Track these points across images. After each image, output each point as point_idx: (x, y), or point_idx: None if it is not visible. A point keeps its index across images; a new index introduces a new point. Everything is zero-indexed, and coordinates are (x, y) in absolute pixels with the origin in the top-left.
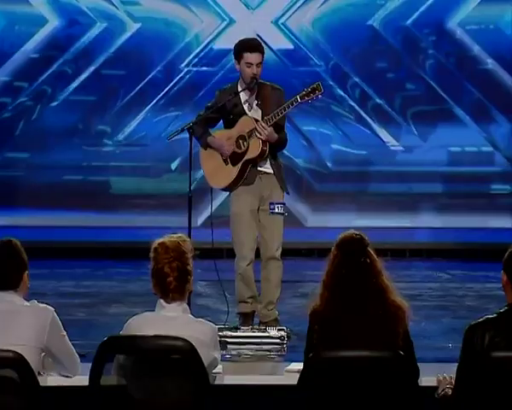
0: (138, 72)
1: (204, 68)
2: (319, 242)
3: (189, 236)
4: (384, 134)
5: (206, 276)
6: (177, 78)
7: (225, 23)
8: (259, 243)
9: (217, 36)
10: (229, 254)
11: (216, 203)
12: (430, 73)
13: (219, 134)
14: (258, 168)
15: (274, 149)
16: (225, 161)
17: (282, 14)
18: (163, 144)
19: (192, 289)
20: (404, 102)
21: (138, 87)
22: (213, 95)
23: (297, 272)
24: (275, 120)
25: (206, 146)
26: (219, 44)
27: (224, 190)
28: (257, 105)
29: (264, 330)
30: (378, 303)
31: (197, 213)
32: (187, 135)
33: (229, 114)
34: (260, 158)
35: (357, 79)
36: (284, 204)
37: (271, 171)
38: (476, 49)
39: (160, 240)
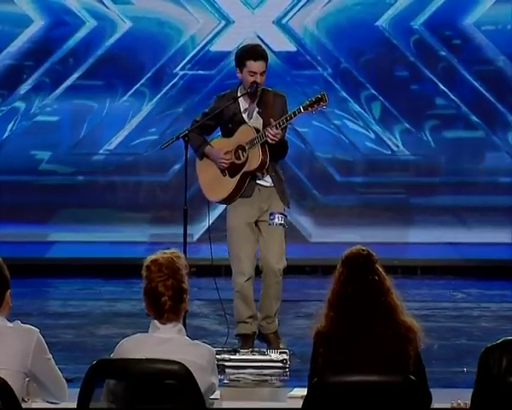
0: (129, 75)
1: (200, 72)
2: (324, 258)
3: (185, 252)
4: (394, 142)
5: (202, 295)
6: (172, 82)
7: (223, 23)
8: (260, 257)
9: (214, 37)
10: (228, 271)
11: (214, 216)
12: (443, 78)
13: (217, 143)
14: (257, 181)
15: (275, 155)
16: (223, 173)
17: (285, 14)
18: (156, 153)
19: (188, 308)
20: (416, 108)
21: (130, 92)
22: (210, 100)
23: (300, 291)
24: (280, 127)
25: (203, 156)
26: (217, 47)
27: (221, 202)
28: (258, 113)
29: (265, 354)
30: (387, 324)
31: (193, 227)
32: (182, 143)
33: (228, 122)
34: (260, 170)
35: (364, 83)
36: (285, 215)
37: (271, 184)
38: (492, 50)
39: (153, 257)
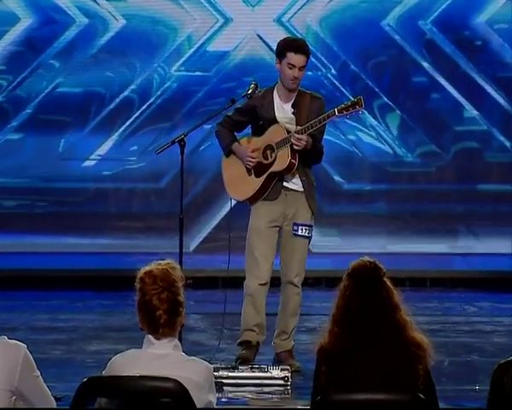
0: (122, 76)
1: (197, 73)
2: (328, 270)
3: (181, 263)
4: (402, 147)
5: (199, 308)
6: (167, 84)
7: (221, 22)
8: (280, 268)
9: (212, 36)
10: (227, 283)
11: (211, 225)
12: (453, 80)
13: (246, 141)
14: (285, 184)
15: (308, 159)
16: (249, 172)
17: (286, 11)
18: (150, 159)
19: (184, 322)
20: (426, 112)
21: (122, 94)
22: (207, 103)
23: (304, 304)
24: (308, 132)
25: (230, 153)
26: (215, 46)
27: (244, 202)
28: (292, 114)
29: (266, 370)
30: (395, 340)
31: (189, 236)
32: (178, 148)
33: (259, 119)
34: (287, 172)
35: (371, 85)
36: (311, 226)
37: (301, 189)
38: (506, 51)
39: (147, 268)
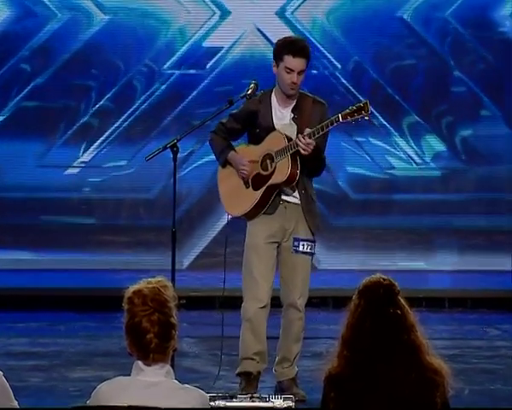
0: (107, 76)
1: (191, 72)
2: (335, 288)
3: (173, 281)
4: (417, 153)
5: (193, 331)
6: (157, 83)
7: (218, 14)
8: (280, 287)
9: (208, 31)
10: (224, 304)
11: (207, 240)
12: (475, 77)
13: (243, 150)
14: (283, 197)
15: (309, 170)
16: (246, 184)
17: (289, 3)
18: (140, 166)
19: (177, 346)
20: (445, 114)
21: (107, 96)
22: (202, 105)
23: (308, 327)
24: (316, 136)
25: (226, 163)
26: (210, 41)
27: (242, 218)
28: (292, 119)
29: (267, 400)
30: (410, 366)
31: (183, 252)
32: (170, 154)
33: (256, 126)
34: (288, 184)
35: (384, 84)
36: (314, 242)
37: (298, 202)
38: None
39: (136, 287)
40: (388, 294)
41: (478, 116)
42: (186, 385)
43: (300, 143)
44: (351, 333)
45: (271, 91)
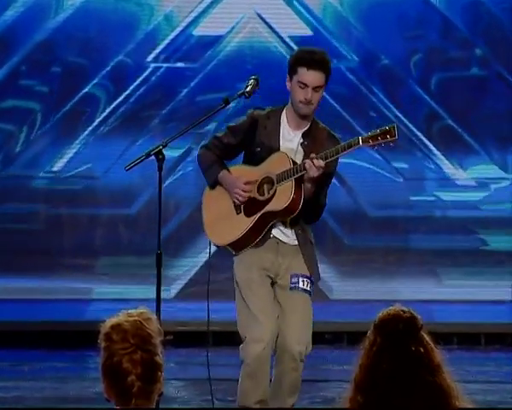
0: (81, 68)
1: (180, 65)
2: (349, 322)
3: (158, 312)
4: (446, 163)
5: (182, 372)
6: (140, 79)
7: None
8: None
9: (198, 18)
10: (219, 340)
11: (197, 263)
12: None
13: (238, 171)
14: (274, 233)
15: (306, 210)
16: (237, 209)
17: None
18: (118, 177)
19: (163, 390)
20: (480, 117)
21: (79, 95)
22: (193, 105)
23: (318, 368)
24: (329, 159)
25: (216, 183)
26: (201, 30)
27: (226, 248)
28: (301, 145)
29: None
30: None
31: (169, 278)
32: (154, 163)
33: (257, 144)
34: (287, 214)
35: (407, 81)
36: (312, 281)
37: (295, 242)
38: None
39: (115, 320)
40: (409, 328)
41: None
42: None
43: (313, 165)
44: (365, 376)
45: (283, 108)
